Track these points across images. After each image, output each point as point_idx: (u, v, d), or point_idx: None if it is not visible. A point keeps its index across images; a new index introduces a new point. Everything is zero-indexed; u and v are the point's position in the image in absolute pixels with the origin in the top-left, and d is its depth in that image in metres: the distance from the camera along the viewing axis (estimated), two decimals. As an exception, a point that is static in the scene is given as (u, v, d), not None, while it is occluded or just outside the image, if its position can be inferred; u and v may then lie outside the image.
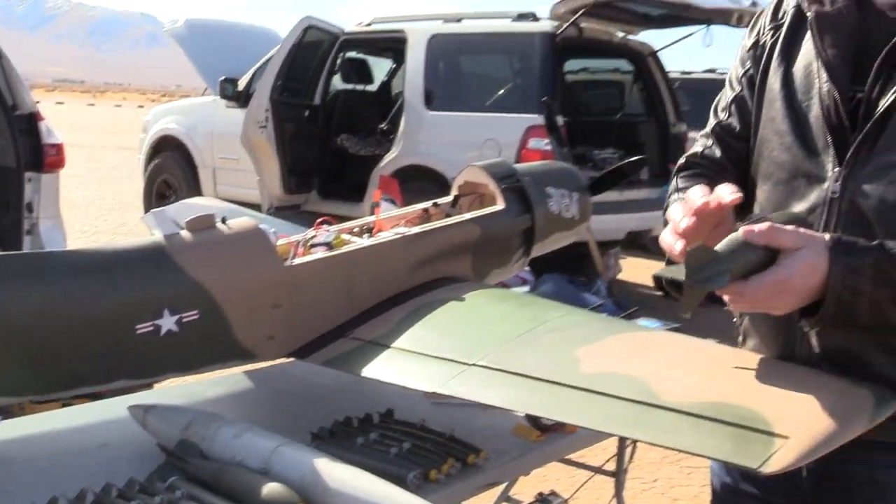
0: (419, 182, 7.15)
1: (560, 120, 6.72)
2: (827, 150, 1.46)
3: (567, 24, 6.90)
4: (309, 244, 2.10)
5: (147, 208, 8.65)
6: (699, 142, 1.75)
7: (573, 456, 2.51)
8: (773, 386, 1.40)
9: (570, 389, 1.54)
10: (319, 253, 2.06)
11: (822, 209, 1.46)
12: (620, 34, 7.78)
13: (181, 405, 1.95)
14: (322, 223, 2.19)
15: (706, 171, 1.68)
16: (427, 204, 2.43)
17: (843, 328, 1.36)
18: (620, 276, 8.11)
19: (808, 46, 1.53)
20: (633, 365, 1.56)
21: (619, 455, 2.86)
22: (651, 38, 8.62)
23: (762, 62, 1.60)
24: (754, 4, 6.92)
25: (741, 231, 1.30)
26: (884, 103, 1.39)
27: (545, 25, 7.07)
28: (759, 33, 1.64)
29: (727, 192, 1.36)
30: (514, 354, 1.70)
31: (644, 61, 7.97)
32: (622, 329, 1.75)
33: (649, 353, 1.60)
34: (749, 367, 1.46)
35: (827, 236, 1.31)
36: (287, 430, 1.87)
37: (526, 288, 6.91)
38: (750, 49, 1.64)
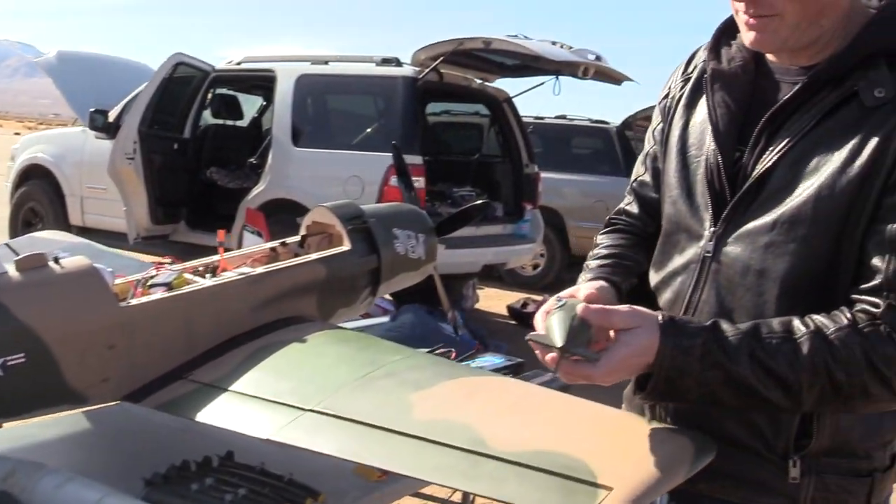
0: (285, 215, 6.95)
1: (419, 160, 6.68)
2: (707, 208, 1.40)
3: (428, 69, 6.87)
4: (148, 284, 1.94)
5: (12, 235, 8.14)
6: (625, 197, 1.69)
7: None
8: (601, 434, 1.34)
9: (401, 437, 1.44)
10: (158, 293, 1.90)
11: (696, 266, 1.40)
12: (478, 81, 7.81)
13: (4, 452, 1.75)
14: (163, 263, 2.03)
15: (626, 227, 1.63)
16: (275, 243, 2.30)
17: (673, 402, 1.31)
18: (477, 306, 8.10)
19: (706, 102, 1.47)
20: (464, 411, 1.47)
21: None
22: (507, 85, 8.73)
23: (670, 114, 1.54)
24: (598, 58, 7.06)
25: (578, 310, 1.24)
26: (759, 169, 1.33)
27: (407, 70, 7.02)
28: (670, 86, 1.58)
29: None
30: (350, 399, 1.59)
31: (500, 106, 8.02)
32: (457, 374, 1.67)
33: (481, 398, 1.52)
34: (578, 414, 1.40)
35: (660, 316, 1.24)
36: (120, 475, 1.71)
37: (386, 318, 6.81)
38: (661, 101, 1.58)
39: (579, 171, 10.01)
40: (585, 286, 1.38)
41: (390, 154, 6.63)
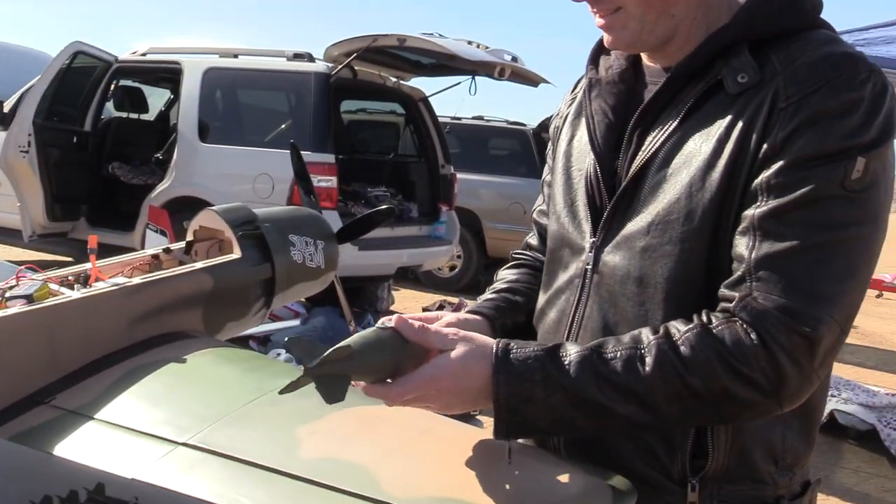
0: (190, 213, 6.64)
1: (331, 158, 6.47)
2: (587, 219, 1.33)
3: (341, 66, 6.66)
4: (6, 296, 1.71)
5: None
6: (530, 232, 1.62)
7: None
8: (509, 479, 1.18)
9: (285, 478, 1.26)
10: (16, 307, 1.67)
11: (578, 280, 1.32)
12: (393, 79, 7.63)
13: None
14: (26, 270, 1.80)
15: (528, 261, 1.57)
16: (157, 250, 2.09)
17: (529, 434, 1.22)
18: (392, 308, 7.93)
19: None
20: (357, 448, 1.30)
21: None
22: (423, 84, 8.58)
23: (557, 134, 1.49)
24: (515, 59, 6.96)
25: (394, 322, 1.16)
26: (632, 171, 1.26)
27: (320, 66, 6.79)
28: (560, 107, 1.52)
29: None
30: (230, 432, 1.40)
31: (415, 105, 7.86)
32: (351, 402, 1.49)
33: (376, 432, 1.35)
34: (483, 453, 1.24)
35: (494, 342, 1.17)
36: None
37: (297, 321, 6.59)
38: (553, 124, 1.53)
39: (496, 173, 9.93)
40: (450, 315, 1.30)
41: (302, 152, 6.44)
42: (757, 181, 1.14)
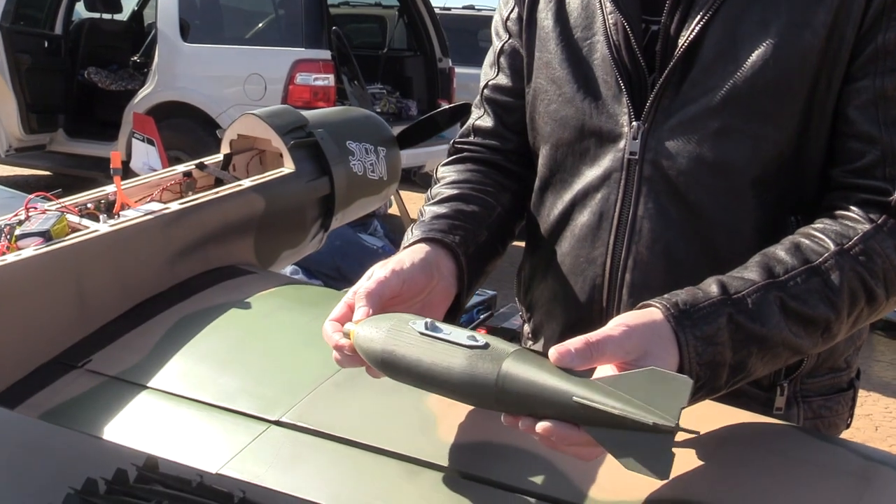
0: (178, 119, 6.23)
1: (327, 55, 6.01)
2: (620, 99, 1.11)
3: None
4: (16, 234, 1.34)
5: None
6: (471, 114, 1.29)
7: None
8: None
9: (433, 473, 0.94)
10: (31, 248, 1.31)
11: (620, 175, 1.11)
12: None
13: None
14: (37, 200, 1.43)
15: (477, 153, 1.29)
16: (189, 165, 1.71)
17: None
18: (391, 211, 7.58)
19: None
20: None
21: None
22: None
23: None
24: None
25: (554, 359, 0.80)
26: (686, 37, 1.05)
27: (309, -46, 6.25)
28: None
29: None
30: (336, 405, 1.07)
31: (409, -5, 7.34)
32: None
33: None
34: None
35: (658, 310, 0.89)
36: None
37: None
38: None
39: (488, 65, 9.45)
40: (381, 270, 1.01)
41: (293, 49, 5.98)
42: (875, 42, 0.98)
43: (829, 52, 1.00)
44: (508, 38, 1.26)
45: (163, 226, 1.44)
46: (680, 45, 1.06)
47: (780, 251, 0.98)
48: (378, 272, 1.01)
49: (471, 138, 1.31)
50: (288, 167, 1.66)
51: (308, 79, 5.89)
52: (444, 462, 0.95)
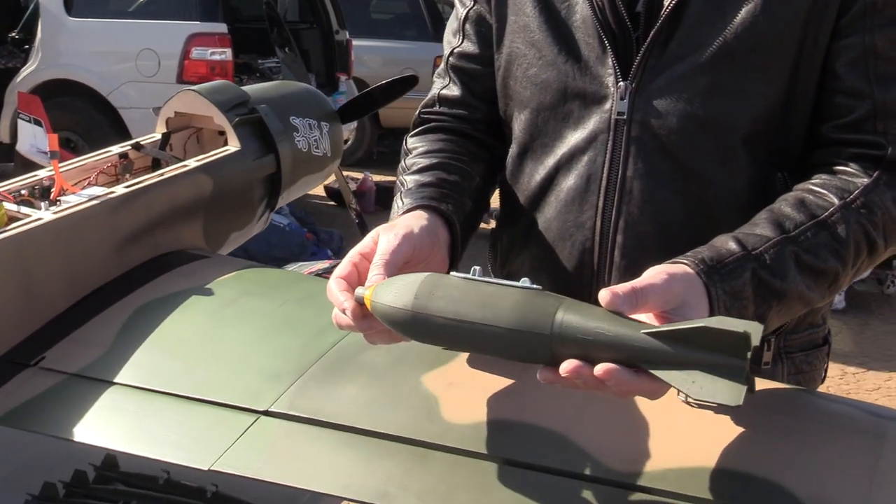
0: (66, 98, 5.92)
1: (223, 28, 5.82)
2: (604, 59, 1.09)
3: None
4: (-50, 225, 1.24)
5: None
6: (435, 84, 1.25)
7: None
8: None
9: (445, 455, 0.91)
10: (-30, 239, 1.21)
11: (607, 136, 1.10)
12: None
13: None
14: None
15: (446, 123, 1.26)
16: (125, 146, 1.62)
17: None
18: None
19: None
20: (527, 406, 0.96)
21: None
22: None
23: None
24: None
25: (604, 302, 0.79)
26: None
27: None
28: None
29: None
30: (329, 391, 1.03)
31: (300, -34, 7.16)
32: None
33: (530, 381, 1.00)
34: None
35: (688, 266, 0.89)
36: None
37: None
38: None
39: (382, 37, 9.33)
40: (389, 235, 0.98)
41: (187, 22, 5.75)
42: None
43: (816, 7, 1.01)
44: (474, 4, 1.22)
45: (109, 211, 1.35)
46: (666, 3, 1.04)
47: (785, 207, 0.99)
48: (387, 237, 0.97)
49: (436, 108, 1.27)
50: (233, 145, 1.59)
51: (204, 53, 5.69)
52: (455, 444, 0.93)
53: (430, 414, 0.97)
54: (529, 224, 1.18)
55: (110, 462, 1.30)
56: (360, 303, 0.89)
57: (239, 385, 1.07)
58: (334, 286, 0.93)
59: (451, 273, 0.85)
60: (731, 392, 0.70)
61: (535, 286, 0.80)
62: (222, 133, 1.67)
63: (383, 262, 0.93)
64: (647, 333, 0.74)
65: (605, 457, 0.88)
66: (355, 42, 8.76)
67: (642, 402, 0.92)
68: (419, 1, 9.32)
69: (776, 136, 1.06)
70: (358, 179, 7.24)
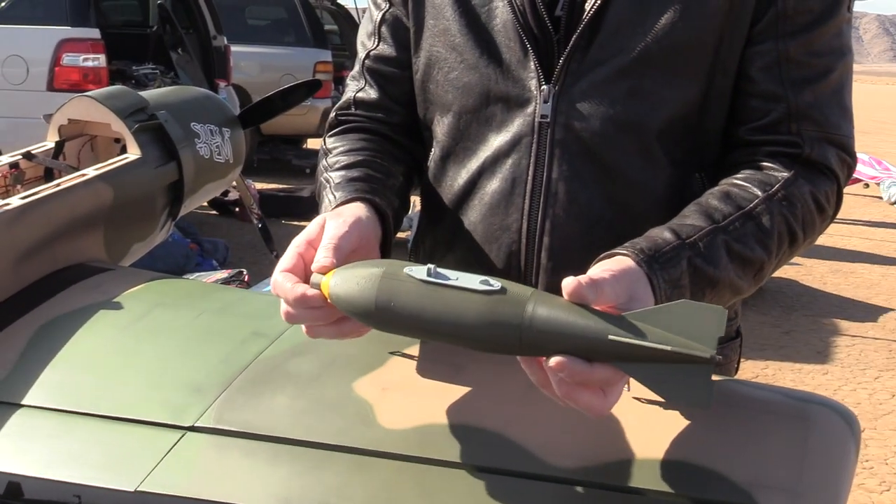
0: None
1: (96, 34, 5.60)
2: (526, 63, 1.10)
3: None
4: None
5: None
6: (349, 87, 1.25)
7: None
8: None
9: (385, 462, 0.90)
10: None
11: (531, 139, 1.10)
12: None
13: None
14: None
15: (364, 124, 1.25)
16: (15, 155, 1.53)
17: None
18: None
19: None
20: (464, 407, 0.95)
21: None
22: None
23: None
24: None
25: (567, 292, 0.80)
26: (592, 2, 1.06)
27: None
28: None
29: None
30: (258, 402, 1.00)
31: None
32: (385, 341, 1.12)
33: (467, 381, 1.00)
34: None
35: (627, 257, 0.91)
36: None
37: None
38: None
39: (259, 43, 9.20)
40: (336, 221, 0.97)
41: (57, 27, 5.51)
42: (776, 6, 1.04)
43: (732, 13, 1.04)
44: (389, 7, 1.21)
45: (5, 224, 1.28)
46: (587, 9, 1.06)
47: (712, 200, 1.02)
48: (335, 222, 0.95)
49: (353, 111, 1.25)
50: (133, 153, 1.52)
51: (76, 59, 5.47)
52: (395, 449, 0.91)
53: (366, 420, 0.95)
54: (454, 227, 1.18)
55: (13, 490, 1.22)
56: (315, 289, 0.87)
57: (160, 401, 1.03)
58: (282, 279, 0.90)
59: (406, 270, 0.83)
60: (700, 395, 0.73)
61: (494, 286, 0.80)
62: (118, 140, 1.60)
63: (333, 246, 0.91)
64: (616, 324, 0.75)
65: (548, 454, 0.88)
66: (232, 48, 8.62)
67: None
68: (297, 6, 9.22)
69: (693, 137, 1.09)
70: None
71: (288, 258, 0.93)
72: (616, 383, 0.79)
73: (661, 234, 0.96)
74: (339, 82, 9.11)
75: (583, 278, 0.80)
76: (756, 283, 1.03)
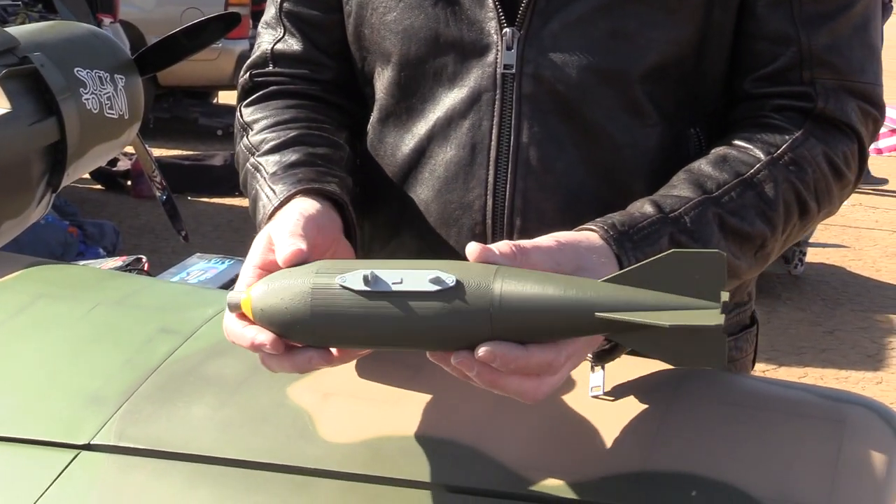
0: None
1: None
2: (483, 1, 1.13)
3: None
4: None
5: None
6: (262, 38, 1.28)
7: None
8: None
9: (328, 482, 0.95)
10: None
11: (493, 95, 1.14)
12: None
13: None
14: None
15: (283, 84, 1.25)
16: None
17: None
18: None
19: None
20: (420, 415, 1.00)
21: None
22: None
23: None
24: None
25: (474, 254, 0.88)
26: None
27: None
28: None
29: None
30: (170, 414, 1.04)
31: None
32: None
33: (415, 387, 1.04)
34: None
35: (594, 233, 0.98)
36: None
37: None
38: None
39: (154, -35, 9.21)
40: (282, 223, 1.01)
41: None
42: None
43: None
44: None
45: None
46: None
47: (705, 166, 1.08)
48: (283, 224, 0.99)
49: (270, 68, 1.28)
50: (1, 106, 1.55)
51: None
52: (340, 467, 0.96)
53: (305, 433, 1.00)
54: (399, 207, 1.22)
55: None
56: (234, 309, 0.92)
57: (46, 415, 1.06)
58: (233, 325, 0.95)
59: (339, 280, 0.87)
60: (713, 355, 0.78)
61: (448, 282, 0.84)
62: (-19, 91, 1.62)
63: (298, 235, 0.96)
64: (600, 292, 0.80)
65: (527, 470, 0.93)
66: (120, -27, 8.57)
67: (556, 403, 0.98)
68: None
69: (686, 86, 1.15)
70: (132, 155, 7.08)
71: (242, 283, 0.96)
72: (558, 367, 0.84)
73: (642, 207, 1.01)
74: (258, 17, 9.11)
75: (500, 247, 0.86)
76: (759, 263, 1.09)
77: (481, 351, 0.82)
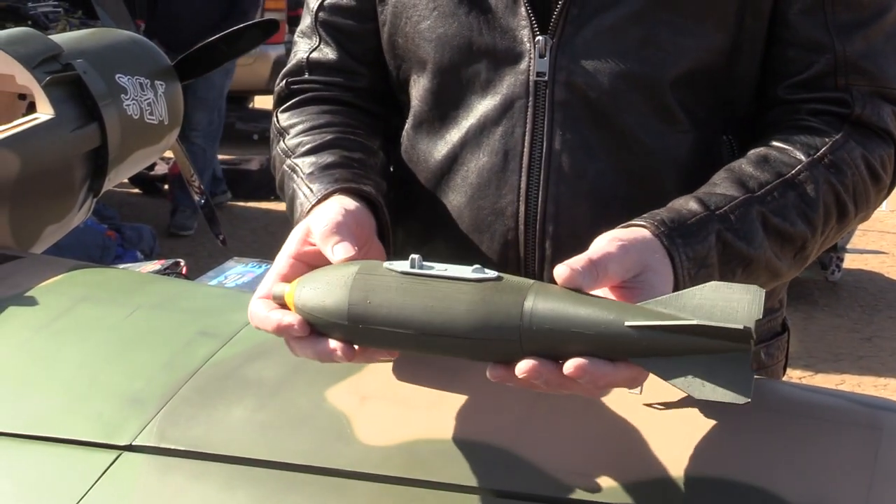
0: None
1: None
2: (515, 9, 1.15)
3: None
4: None
5: None
6: (299, 47, 1.30)
7: None
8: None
9: (366, 484, 0.96)
10: None
11: (525, 102, 1.16)
12: None
13: None
14: None
15: (318, 91, 1.29)
16: None
17: None
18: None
19: None
20: (456, 419, 1.01)
21: None
22: None
23: None
24: None
25: (562, 278, 0.87)
26: None
27: None
28: None
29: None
30: (209, 416, 1.05)
31: None
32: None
33: (455, 390, 1.05)
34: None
35: (644, 228, 0.98)
36: None
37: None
38: None
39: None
40: (320, 215, 1.03)
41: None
42: None
43: None
44: None
45: None
46: None
47: (747, 166, 1.08)
48: (322, 215, 1.01)
49: (307, 76, 1.30)
50: (44, 112, 1.57)
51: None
52: (376, 469, 0.97)
53: (342, 436, 1.01)
54: (431, 214, 1.24)
55: None
56: (279, 303, 0.93)
57: (89, 416, 1.08)
58: (259, 308, 0.96)
59: (386, 265, 0.89)
60: (738, 386, 0.78)
61: (489, 274, 0.85)
62: (24, 97, 1.65)
63: (346, 232, 0.97)
64: (632, 327, 0.81)
65: (564, 474, 0.94)
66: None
67: (593, 405, 0.99)
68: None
69: (719, 93, 1.15)
70: (169, 159, 7.15)
71: (267, 284, 0.98)
72: (640, 383, 0.85)
73: (686, 204, 1.02)
74: (294, 23, 9.16)
75: (577, 262, 0.86)
76: (797, 265, 1.10)
77: (572, 365, 0.82)
